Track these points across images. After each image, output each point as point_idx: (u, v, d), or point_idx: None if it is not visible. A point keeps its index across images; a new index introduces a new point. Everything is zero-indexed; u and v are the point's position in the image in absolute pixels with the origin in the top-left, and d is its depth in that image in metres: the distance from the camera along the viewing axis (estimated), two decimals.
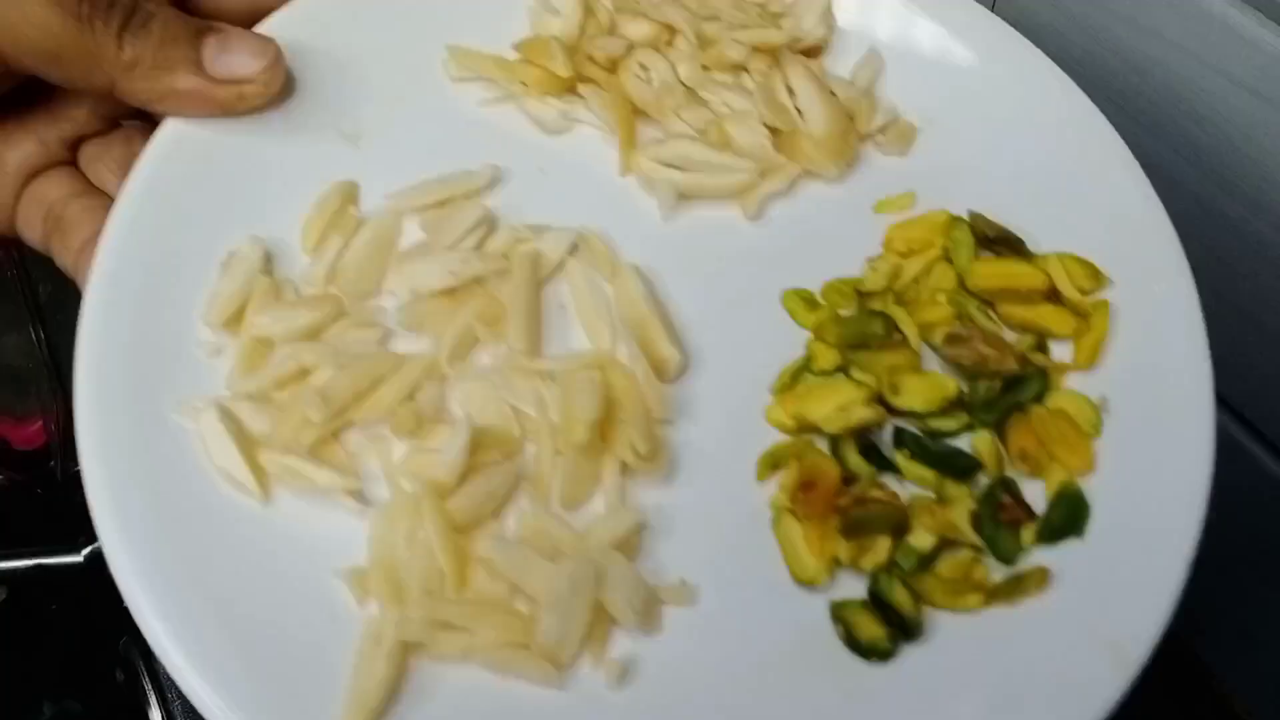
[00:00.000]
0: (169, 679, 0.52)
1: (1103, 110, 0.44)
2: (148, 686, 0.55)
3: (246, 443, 0.36)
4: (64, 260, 0.41)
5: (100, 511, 0.35)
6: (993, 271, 0.41)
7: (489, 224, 0.41)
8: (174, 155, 0.40)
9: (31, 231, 0.42)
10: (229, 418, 0.36)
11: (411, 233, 0.41)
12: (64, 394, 0.63)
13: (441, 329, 0.39)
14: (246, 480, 0.35)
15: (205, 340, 0.38)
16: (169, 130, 0.40)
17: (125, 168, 0.42)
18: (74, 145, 0.43)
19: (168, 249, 0.38)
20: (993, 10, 0.46)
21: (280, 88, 0.41)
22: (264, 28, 0.42)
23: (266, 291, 0.38)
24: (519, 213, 0.42)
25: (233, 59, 0.39)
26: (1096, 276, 0.41)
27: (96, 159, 0.43)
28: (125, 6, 0.37)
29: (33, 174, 0.42)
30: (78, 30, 0.36)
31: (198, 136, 0.40)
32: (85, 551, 0.63)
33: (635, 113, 0.44)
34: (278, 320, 0.38)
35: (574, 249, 0.41)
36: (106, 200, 0.42)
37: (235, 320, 0.38)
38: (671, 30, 0.45)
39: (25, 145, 0.42)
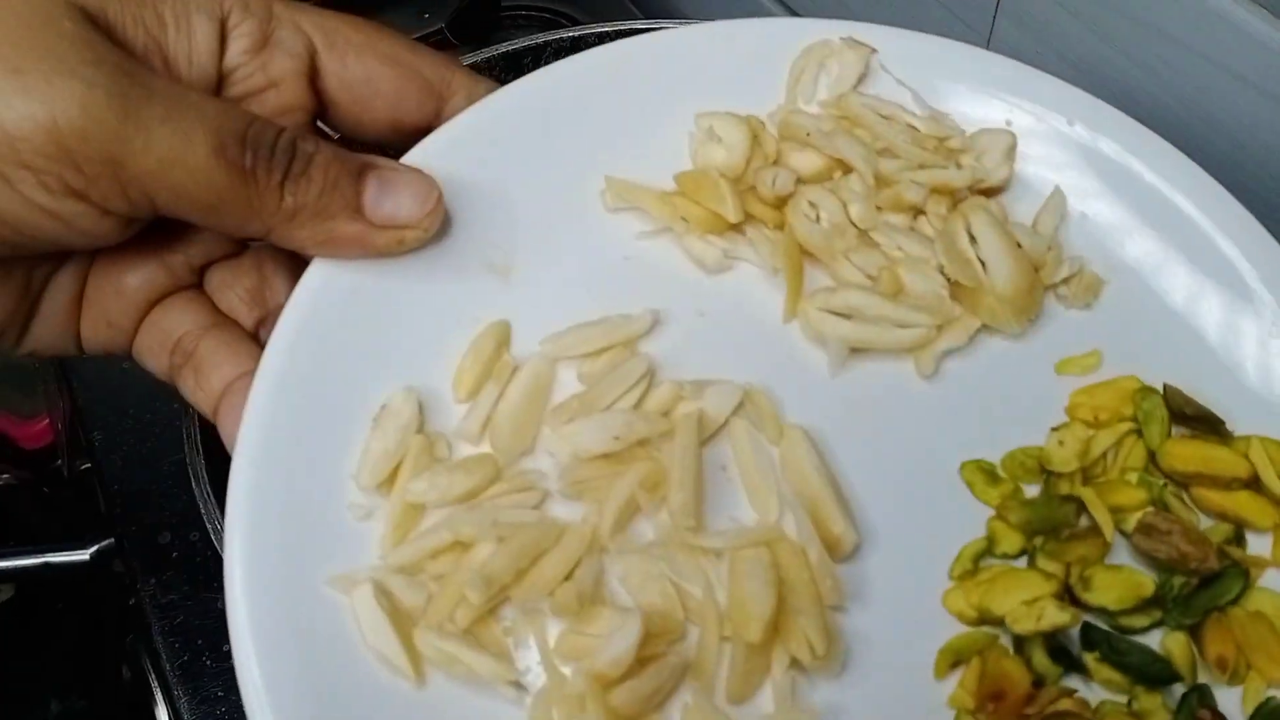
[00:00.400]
0: (175, 677, 0.53)
1: None
2: (154, 684, 0.55)
3: (401, 621, 0.34)
4: (198, 401, 0.39)
5: (250, 685, 0.33)
6: (1190, 454, 0.38)
7: (649, 378, 0.39)
8: (319, 302, 0.38)
9: (155, 360, 0.40)
10: (382, 594, 0.34)
11: (566, 379, 0.39)
12: (69, 392, 0.64)
13: (602, 496, 0.37)
14: (400, 663, 0.34)
15: (357, 503, 0.36)
16: (315, 273, 0.38)
17: (258, 298, 0.41)
18: (200, 269, 0.41)
19: (317, 404, 0.37)
20: (997, 10, 0.44)
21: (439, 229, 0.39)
22: (415, 155, 0.40)
23: (421, 451, 0.36)
24: (678, 362, 0.40)
25: (395, 202, 0.37)
26: None
27: (226, 286, 0.41)
28: (286, 154, 0.35)
29: (156, 299, 0.40)
30: (240, 184, 0.34)
31: (344, 279, 0.38)
32: (91, 550, 0.62)
33: (803, 254, 0.42)
34: (434, 486, 0.36)
35: (738, 408, 0.39)
36: (240, 333, 0.40)
37: (388, 481, 0.36)
38: (842, 165, 0.43)
39: (147, 269, 0.39)
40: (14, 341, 0.39)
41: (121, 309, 0.39)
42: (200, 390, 0.39)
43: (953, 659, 0.36)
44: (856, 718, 0.35)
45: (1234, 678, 0.36)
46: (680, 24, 0.51)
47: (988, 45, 0.58)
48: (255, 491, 0.35)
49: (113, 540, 0.60)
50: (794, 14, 0.71)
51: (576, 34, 0.66)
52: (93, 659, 0.80)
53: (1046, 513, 0.37)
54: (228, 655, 0.51)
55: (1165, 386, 0.39)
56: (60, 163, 0.32)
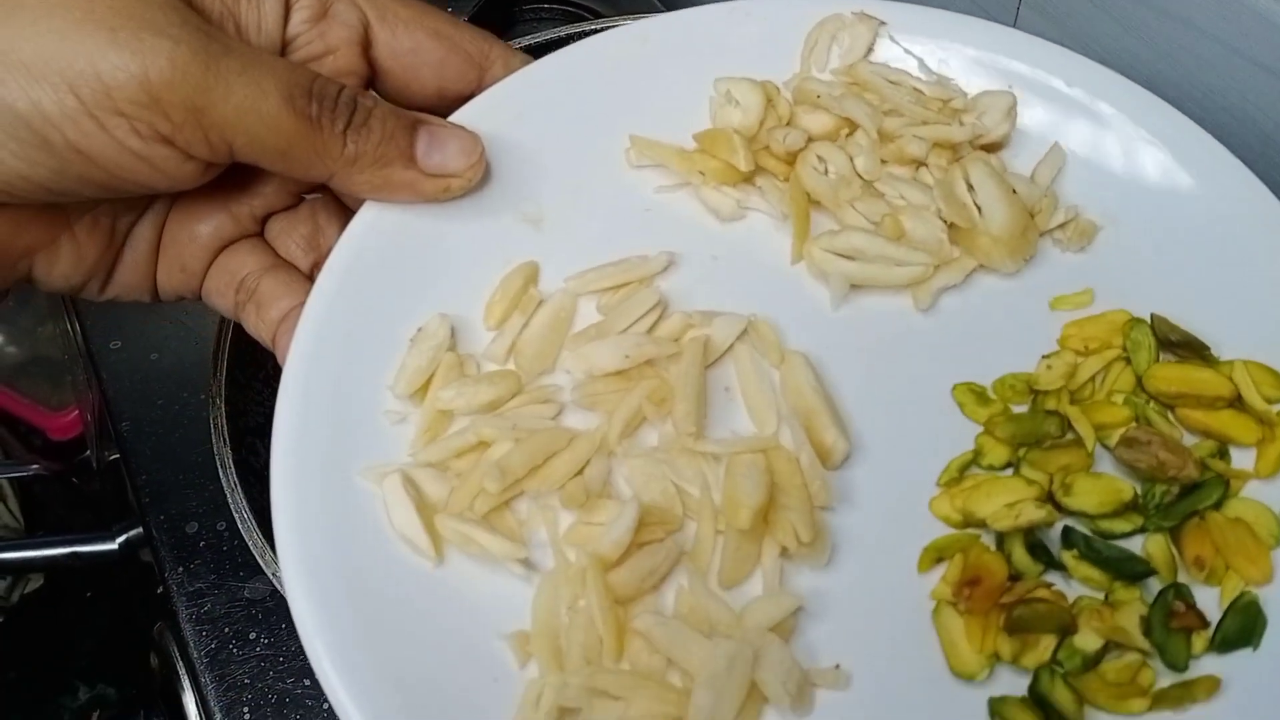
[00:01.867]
0: (202, 664, 0.54)
1: None
2: (181, 671, 0.55)
3: (425, 508, 0.38)
4: (259, 331, 0.44)
5: (287, 561, 0.37)
6: (1175, 375, 0.40)
7: (662, 309, 0.42)
8: (368, 238, 0.42)
9: (221, 299, 0.45)
10: (410, 484, 0.38)
11: (587, 313, 0.43)
12: (98, 384, 0.64)
13: (612, 408, 0.40)
14: (423, 544, 0.37)
15: (392, 409, 0.40)
16: (366, 214, 0.43)
17: (313, 243, 0.45)
18: (262, 219, 0.46)
19: (361, 325, 0.41)
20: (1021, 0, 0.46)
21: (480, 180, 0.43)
22: (460, 116, 0.45)
23: (451, 366, 0.40)
24: (690, 298, 0.43)
25: (444, 153, 0.42)
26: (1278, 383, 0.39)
27: (285, 234, 0.46)
28: (349, 106, 0.40)
29: (223, 246, 0.45)
30: (308, 130, 0.39)
31: (390, 220, 0.43)
32: (119, 539, 0.64)
33: (810, 204, 0.45)
34: (460, 394, 0.40)
35: (743, 335, 0.42)
36: (297, 274, 0.45)
37: (421, 392, 0.40)
38: (851, 124, 0.46)
39: (217, 219, 0.45)
40: (100, 288, 0.44)
41: (193, 254, 0.44)
42: (261, 322, 0.43)
43: (935, 556, 0.38)
44: (839, 604, 0.37)
45: (1211, 577, 0.37)
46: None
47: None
48: (301, 397, 0.39)
49: (140, 530, 0.60)
50: None
51: (598, 27, 0.68)
52: (120, 647, 0.82)
53: (1032, 426, 0.39)
54: (255, 643, 0.55)
55: (1153, 315, 0.41)
56: (150, 110, 0.37)
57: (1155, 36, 0.52)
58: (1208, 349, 0.41)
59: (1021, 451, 0.39)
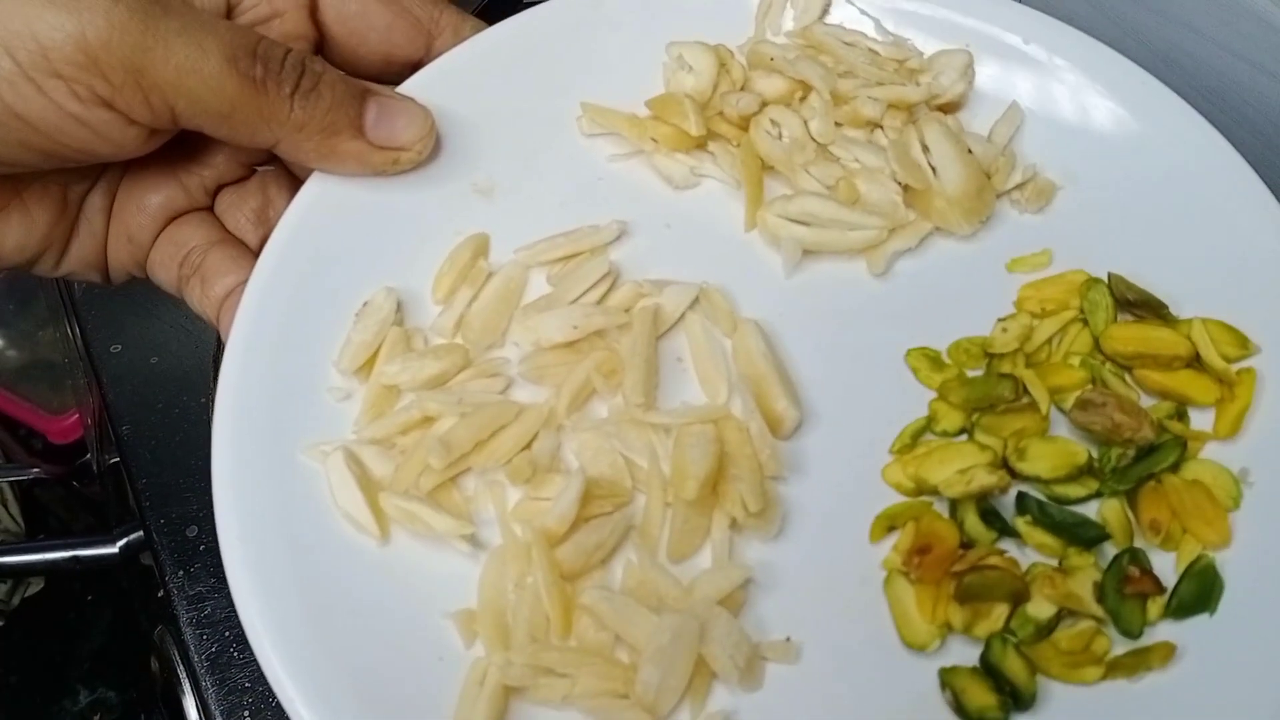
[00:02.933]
0: (203, 668, 0.53)
1: None
2: (182, 675, 0.55)
3: (369, 486, 0.37)
4: (203, 307, 0.43)
5: (228, 540, 0.36)
6: (1132, 335, 0.39)
7: (613, 279, 0.42)
8: (314, 210, 0.42)
9: (165, 272, 0.44)
10: (354, 461, 0.37)
11: (538, 286, 0.42)
12: (98, 387, 0.64)
13: (561, 380, 0.39)
14: (367, 522, 0.37)
15: (336, 386, 0.39)
16: (312, 186, 0.42)
17: (262, 217, 0.45)
18: (213, 192, 0.45)
19: (306, 300, 0.40)
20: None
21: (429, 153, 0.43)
22: (409, 86, 0.44)
23: (397, 341, 0.40)
24: (643, 267, 0.42)
25: (392, 125, 0.41)
26: (1243, 343, 0.39)
27: (235, 207, 0.45)
28: (295, 69, 0.39)
29: (172, 218, 0.44)
30: (252, 92, 0.38)
31: (336, 192, 0.42)
32: (120, 543, 0.63)
33: (765, 169, 0.44)
34: (406, 369, 0.39)
35: (694, 304, 0.41)
36: (244, 249, 0.44)
37: (366, 367, 0.40)
38: (805, 87, 0.45)
39: (167, 189, 0.44)
40: (55, 262, 0.43)
41: (141, 224, 0.44)
42: (206, 298, 0.43)
43: (887, 524, 0.37)
44: (790, 575, 0.37)
45: (1167, 541, 0.36)
46: None
47: None
48: (244, 372, 0.39)
49: (141, 533, 0.60)
50: None
51: None
52: (121, 651, 0.82)
53: (985, 390, 0.39)
54: None
55: (1110, 275, 0.41)
56: (88, 71, 0.36)
57: (1155, 39, 0.51)
58: (1165, 308, 0.40)
59: (975, 417, 0.39)
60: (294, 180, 0.45)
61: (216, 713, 0.52)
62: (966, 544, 0.37)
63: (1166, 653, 0.34)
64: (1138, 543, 0.37)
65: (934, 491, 0.37)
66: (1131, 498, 0.37)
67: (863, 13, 0.47)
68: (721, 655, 0.34)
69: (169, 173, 0.44)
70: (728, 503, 0.37)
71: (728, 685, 0.35)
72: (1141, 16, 0.52)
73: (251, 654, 0.50)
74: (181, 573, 0.57)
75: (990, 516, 0.37)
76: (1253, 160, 0.43)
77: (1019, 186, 0.44)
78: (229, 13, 0.42)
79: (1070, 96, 0.45)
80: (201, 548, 0.57)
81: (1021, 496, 0.37)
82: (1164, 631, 0.35)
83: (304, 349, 0.40)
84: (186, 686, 0.54)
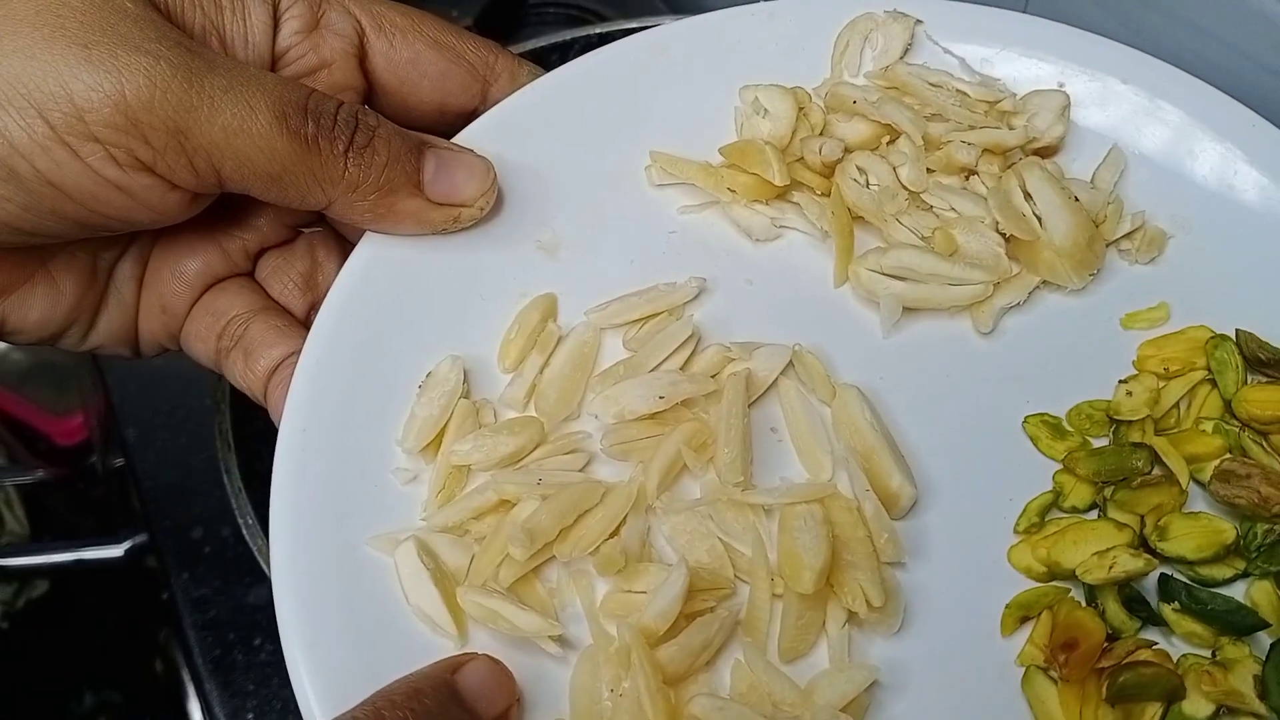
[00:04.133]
0: (207, 670, 0.53)
1: None
2: (186, 677, 0.55)
3: (444, 580, 0.34)
4: (247, 381, 0.39)
5: (294, 647, 0.33)
6: (1268, 399, 0.36)
7: (695, 341, 0.38)
8: (369, 274, 0.38)
9: (201, 344, 0.40)
10: (426, 552, 0.34)
11: (613, 349, 0.39)
12: (103, 390, 0.64)
13: (648, 456, 0.36)
14: (444, 621, 0.33)
15: (402, 467, 0.36)
16: (365, 248, 0.38)
17: (310, 283, 0.41)
18: (255, 255, 0.41)
19: (364, 372, 0.37)
20: (1026, 7, 0.44)
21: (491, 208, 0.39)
22: (466, 136, 0.41)
23: (466, 415, 0.36)
24: (726, 329, 0.39)
25: (453, 180, 0.37)
26: None
27: (279, 272, 0.41)
28: (349, 124, 0.36)
29: (209, 285, 0.41)
30: (304, 151, 0.35)
31: (392, 254, 0.38)
32: (125, 545, 0.63)
33: (853, 219, 0.41)
34: (478, 447, 0.35)
35: (787, 368, 0.38)
36: (289, 318, 0.40)
37: (433, 446, 0.36)
38: (892, 131, 0.42)
39: (205, 254, 0.40)
40: (81, 336, 0.40)
41: (176, 292, 0.40)
42: (250, 371, 0.39)
43: (1020, 614, 0.34)
44: (918, 674, 0.33)
45: None
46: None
47: None
48: (301, 456, 0.35)
49: (146, 536, 0.60)
50: None
51: (603, 30, 0.66)
52: (126, 653, 0.80)
53: (1117, 461, 0.35)
54: (259, 649, 0.54)
55: (1238, 332, 0.38)
56: (128, 134, 0.33)
57: (1165, 41, 0.50)
58: None
59: (1107, 491, 0.35)
60: (343, 242, 0.41)
61: (220, 714, 0.53)
62: (1111, 635, 0.33)
63: None
64: None
65: (1069, 576, 0.34)
66: None
67: (946, 51, 0.44)
68: None
69: (207, 236, 0.40)
70: (845, 594, 0.33)
71: None
72: (1151, 17, 0.50)
73: (255, 656, 0.52)
74: (186, 575, 0.57)
75: (1135, 604, 0.33)
76: None
77: (1128, 235, 0.40)
78: (275, 64, 0.39)
79: (1174, 138, 0.42)
80: (205, 550, 0.58)
81: (1164, 580, 0.34)
82: None
83: (365, 427, 0.36)
84: (191, 689, 0.55)
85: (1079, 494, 0.35)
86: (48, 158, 0.32)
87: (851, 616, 0.33)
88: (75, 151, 0.32)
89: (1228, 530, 0.34)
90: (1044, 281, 0.40)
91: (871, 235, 0.41)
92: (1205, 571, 0.34)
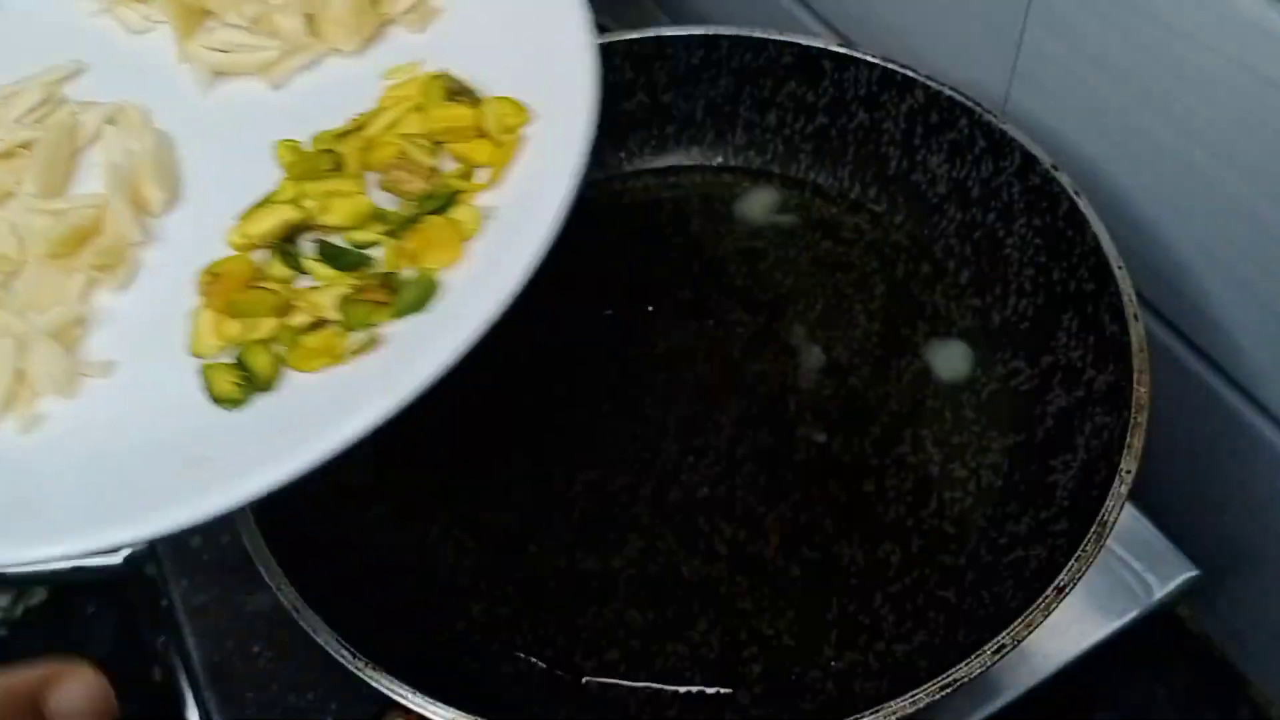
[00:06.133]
0: (206, 678, 0.55)
1: (1137, 113, 0.49)
2: (185, 685, 0.56)
3: None
4: None
5: None
6: (444, 115, 0.47)
7: (54, 105, 0.50)
8: None
9: None
10: None
11: None
12: None
13: None
14: None
15: None
16: None
17: None
18: None
19: None
20: (1027, 17, 0.50)
21: None
22: None
23: None
24: (91, 96, 0.51)
25: None
26: (519, 113, 0.46)
27: None
28: None
29: None
30: None
31: None
32: (124, 553, 0.64)
33: (203, 13, 0.53)
34: None
35: (112, 119, 0.50)
36: None
37: None
38: None
39: None
40: None
41: None
42: None
43: (211, 272, 0.45)
44: (127, 316, 0.45)
45: (417, 263, 0.44)
46: (706, 28, 0.62)
47: (1018, 48, 0.56)
48: None
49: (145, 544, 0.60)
50: (813, 13, 0.71)
51: (604, 41, 0.59)
52: (124, 661, 0.78)
53: (310, 163, 0.47)
54: (258, 657, 0.56)
55: (442, 71, 0.48)
56: None
57: (1161, 52, 0.50)
58: (476, 94, 0.47)
59: (305, 186, 0.47)
60: None
61: None
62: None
63: (372, 342, 0.41)
64: (405, 273, 0.44)
65: (258, 244, 0.45)
66: (405, 236, 0.44)
67: None
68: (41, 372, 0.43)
69: None
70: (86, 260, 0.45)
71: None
72: (1144, 26, 0.50)
73: (255, 664, 0.54)
74: (185, 582, 0.59)
75: (289, 257, 0.45)
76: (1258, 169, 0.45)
77: (407, 10, 0.51)
78: None
79: None
80: (205, 557, 0.59)
81: (319, 242, 0.45)
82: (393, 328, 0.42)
83: None
84: (189, 697, 0.56)
85: (286, 190, 0.46)
86: None
87: (91, 280, 0.45)
88: None
89: (365, 202, 0.45)
90: (333, 49, 0.51)
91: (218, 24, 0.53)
92: (355, 236, 0.45)
